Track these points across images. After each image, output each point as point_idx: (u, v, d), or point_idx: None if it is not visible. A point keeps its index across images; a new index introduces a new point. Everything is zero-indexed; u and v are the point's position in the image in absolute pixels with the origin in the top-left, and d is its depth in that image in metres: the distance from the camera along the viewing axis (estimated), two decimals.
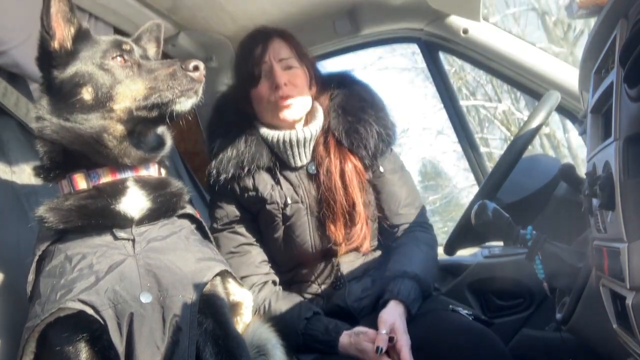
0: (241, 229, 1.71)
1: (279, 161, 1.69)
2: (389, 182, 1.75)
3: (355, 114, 1.70)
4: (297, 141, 1.66)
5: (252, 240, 1.73)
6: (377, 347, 1.39)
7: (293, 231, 1.68)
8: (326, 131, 1.70)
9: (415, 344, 1.41)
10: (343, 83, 1.79)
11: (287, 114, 1.64)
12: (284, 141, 1.66)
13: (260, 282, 1.68)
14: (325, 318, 1.58)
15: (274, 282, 1.72)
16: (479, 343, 1.40)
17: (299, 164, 1.69)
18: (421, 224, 1.77)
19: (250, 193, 1.68)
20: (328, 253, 1.70)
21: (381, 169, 1.73)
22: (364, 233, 1.68)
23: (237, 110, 1.74)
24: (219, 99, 1.81)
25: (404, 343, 1.40)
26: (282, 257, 1.73)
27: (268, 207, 1.67)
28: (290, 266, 1.75)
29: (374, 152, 1.69)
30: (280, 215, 1.67)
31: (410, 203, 1.76)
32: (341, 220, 1.65)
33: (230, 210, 1.71)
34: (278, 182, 1.67)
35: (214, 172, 1.67)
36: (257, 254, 1.72)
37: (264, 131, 1.68)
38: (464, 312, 1.56)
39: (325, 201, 1.66)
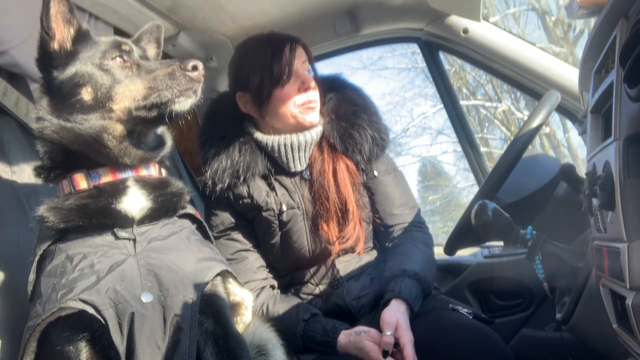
0: (237, 236, 1.71)
1: (275, 167, 1.68)
2: (382, 184, 1.75)
3: (348, 119, 1.70)
4: (299, 144, 1.66)
5: (249, 246, 1.72)
6: (384, 351, 1.39)
7: (290, 237, 1.68)
8: (320, 137, 1.71)
9: (415, 342, 1.41)
10: (334, 87, 1.78)
11: (312, 117, 1.65)
12: (285, 145, 1.65)
13: (258, 287, 1.68)
14: (324, 319, 1.58)
15: (272, 287, 1.72)
16: (479, 341, 1.40)
17: (298, 168, 1.68)
18: (416, 223, 1.77)
19: (245, 200, 1.67)
20: (325, 255, 1.69)
21: (375, 172, 1.73)
22: (357, 233, 1.67)
23: (230, 117, 1.72)
24: (210, 106, 1.79)
25: (407, 339, 1.40)
26: (280, 262, 1.73)
27: (264, 214, 1.67)
28: (288, 270, 1.75)
29: (368, 157, 1.69)
30: (276, 222, 1.67)
31: (404, 203, 1.77)
32: (334, 218, 1.65)
33: (226, 218, 1.70)
34: (273, 189, 1.67)
35: (210, 182, 1.66)
36: (255, 260, 1.72)
37: (261, 137, 1.68)
38: (464, 310, 1.56)
39: (318, 200, 1.66)
